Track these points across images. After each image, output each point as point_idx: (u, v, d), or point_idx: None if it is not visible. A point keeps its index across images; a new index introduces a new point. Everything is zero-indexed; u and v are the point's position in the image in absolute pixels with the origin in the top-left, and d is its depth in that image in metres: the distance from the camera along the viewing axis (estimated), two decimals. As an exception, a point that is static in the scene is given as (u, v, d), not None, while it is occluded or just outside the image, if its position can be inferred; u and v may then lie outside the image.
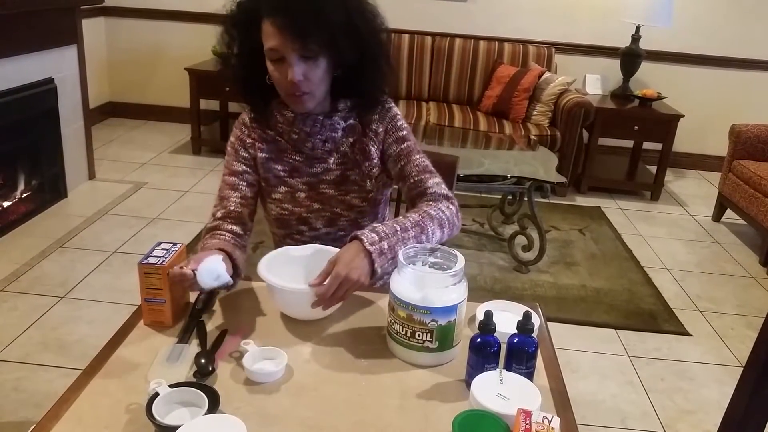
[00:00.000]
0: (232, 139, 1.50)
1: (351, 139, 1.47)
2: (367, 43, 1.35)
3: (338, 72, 1.38)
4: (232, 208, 1.44)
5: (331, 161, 1.47)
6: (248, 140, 1.48)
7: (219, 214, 1.44)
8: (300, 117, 1.41)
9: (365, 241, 1.23)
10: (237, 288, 1.34)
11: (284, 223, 1.52)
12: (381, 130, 1.48)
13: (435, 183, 1.44)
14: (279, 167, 1.48)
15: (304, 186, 1.48)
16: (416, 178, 1.45)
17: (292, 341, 1.18)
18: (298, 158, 1.47)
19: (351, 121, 1.46)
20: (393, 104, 1.51)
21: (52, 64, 3.38)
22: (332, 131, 1.44)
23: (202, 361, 1.06)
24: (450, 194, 1.44)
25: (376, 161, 1.49)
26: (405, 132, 1.50)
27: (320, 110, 1.43)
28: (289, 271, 1.28)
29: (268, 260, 1.26)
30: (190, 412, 0.96)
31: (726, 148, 3.93)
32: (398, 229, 1.30)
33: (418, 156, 1.48)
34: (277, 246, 1.52)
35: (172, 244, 1.22)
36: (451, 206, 1.41)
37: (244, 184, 1.47)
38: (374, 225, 1.30)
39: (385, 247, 1.25)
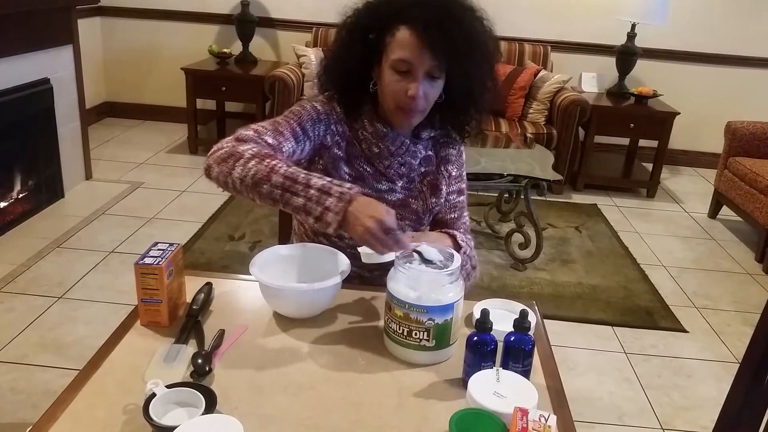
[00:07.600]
0: (319, 107, 1.39)
1: (423, 170, 1.46)
2: (484, 84, 1.34)
3: (442, 98, 1.35)
4: (284, 149, 1.30)
5: (399, 184, 1.45)
6: (333, 126, 1.40)
7: (271, 141, 1.28)
8: (392, 135, 1.38)
9: (457, 237, 1.42)
10: (233, 288, 1.35)
11: None
12: (454, 173, 1.49)
13: (472, 247, 1.51)
14: (347, 170, 1.42)
15: None
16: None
17: (289, 341, 1.19)
18: (368, 169, 1.43)
19: (429, 152, 1.46)
20: (463, 148, 1.52)
21: (48, 65, 3.37)
22: (412, 157, 1.43)
23: (199, 361, 1.06)
24: (477, 264, 1.53)
25: (443, 201, 1.49)
26: (464, 184, 1.52)
27: (407, 132, 1.42)
28: (281, 269, 1.28)
29: (260, 260, 1.26)
30: (187, 412, 0.97)
31: (721, 145, 3.94)
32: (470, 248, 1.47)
33: (466, 213, 1.53)
34: (299, 240, 1.51)
35: (168, 244, 1.22)
36: (476, 275, 1.54)
37: (300, 147, 1.34)
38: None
39: (468, 251, 1.43)
